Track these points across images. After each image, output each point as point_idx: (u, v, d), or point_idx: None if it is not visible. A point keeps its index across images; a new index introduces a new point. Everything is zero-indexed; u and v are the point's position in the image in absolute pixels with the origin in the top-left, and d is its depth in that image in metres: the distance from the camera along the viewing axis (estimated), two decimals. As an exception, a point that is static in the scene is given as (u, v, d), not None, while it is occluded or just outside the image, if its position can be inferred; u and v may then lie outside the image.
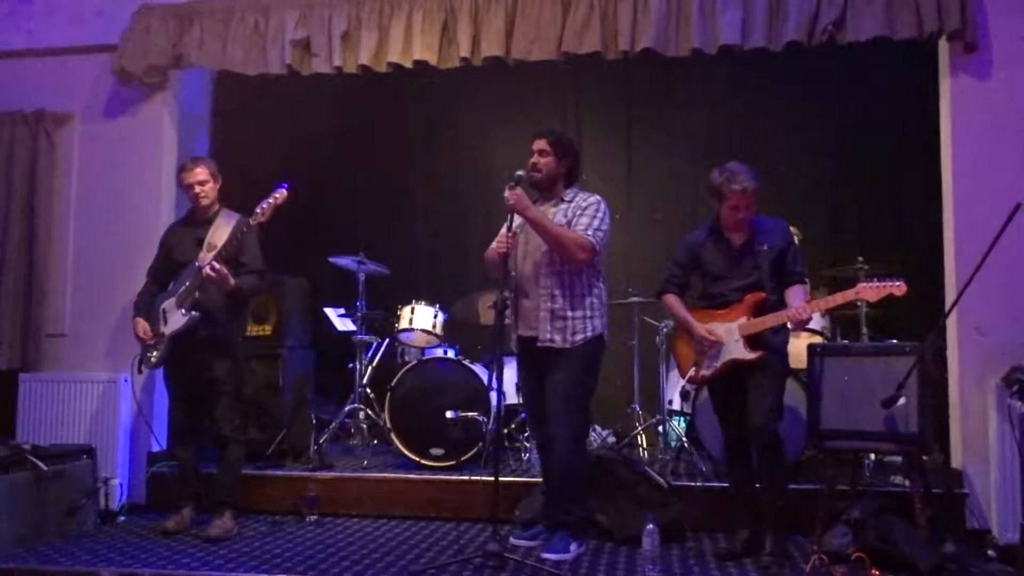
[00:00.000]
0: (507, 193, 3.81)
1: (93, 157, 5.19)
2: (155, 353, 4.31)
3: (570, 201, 3.96)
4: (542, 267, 3.89)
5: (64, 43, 5.24)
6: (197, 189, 4.37)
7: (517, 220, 3.89)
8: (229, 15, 5.01)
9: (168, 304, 4.31)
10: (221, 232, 4.29)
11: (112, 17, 5.12)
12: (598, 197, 3.99)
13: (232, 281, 4.18)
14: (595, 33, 4.64)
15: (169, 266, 4.46)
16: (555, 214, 3.93)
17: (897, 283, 3.60)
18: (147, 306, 4.42)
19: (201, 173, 4.38)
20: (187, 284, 4.25)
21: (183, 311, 4.23)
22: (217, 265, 4.10)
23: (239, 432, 4.37)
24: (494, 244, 3.98)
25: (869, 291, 3.66)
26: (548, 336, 3.86)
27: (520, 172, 3.92)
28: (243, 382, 4.47)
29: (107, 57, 5.14)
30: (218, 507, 4.29)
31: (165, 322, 4.30)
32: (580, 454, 3.98)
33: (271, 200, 4.18)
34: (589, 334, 3.87)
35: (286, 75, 5.01)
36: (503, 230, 3.88)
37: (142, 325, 4.36)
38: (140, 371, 4.54)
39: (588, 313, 3.88)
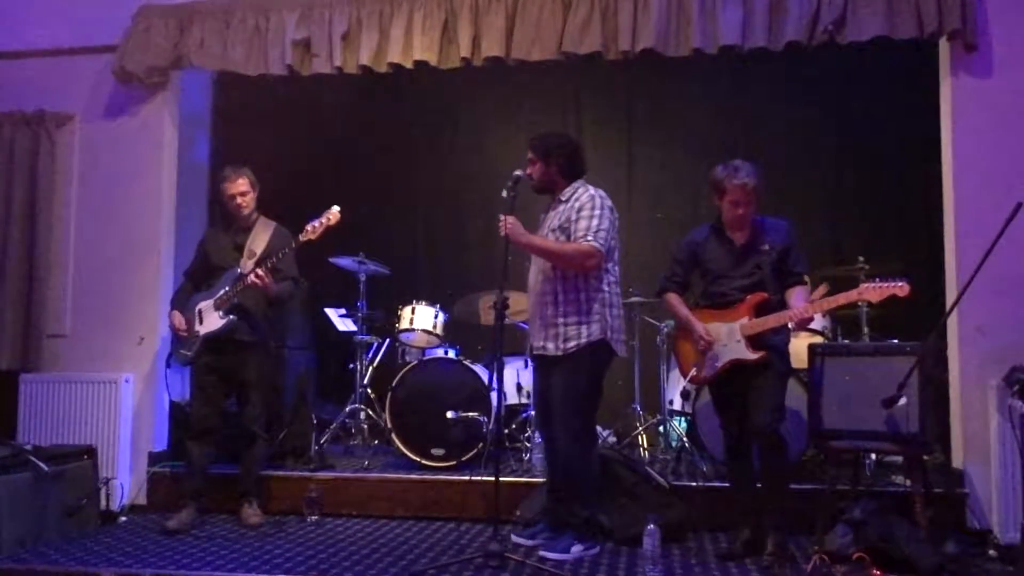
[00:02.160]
0: (500, 224, 3.78)
1: (93, 157, 5.19)
2: (187, 350, 4.40)
3: (566, 201, 3.89)
4: (541, 274, 3.89)
5: (64, 43, 5.24)
6: (239, 200, 4.46)
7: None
8: (229, 15, 5.02)
9: (205, 305, 4.40)
10: (260, 239, 4.45)
11: (112, 17, 5.12)
12: (592, 193, 3.87)
13: (273, 289, 4.32)
14: (595, 33, 4.64)
15: (205, 269, 4.54)
16: (554, 218, 3.92)
17: (900, 284, 3.59)
18: (183, 303, 4.51)
19: (243, 184, 4.47)
20: (226, 289, 4.34)
21: (220, 314, 4.33)
22: (261, 272, 4.23)
23: (265, 430, 4.52)
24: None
25: (872, 291, 3.65)
26: (541, 344, 3.87)
27: (518, 172, 3.90)
28: (274, 384, 4.61)
29: (107, 57, 5.14)
30: (245, 497, 4.46)
31: (200, 321, 4.39)
32: (582, 457, 3.89)
33: (323, 220, 4.27)
34: (583, 341, 3.78)
35: (286, 75, 5.01)
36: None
37: (178, 317, 4.45)
38: (169, 364, 4.67)
39: (583, 319, 3.79)
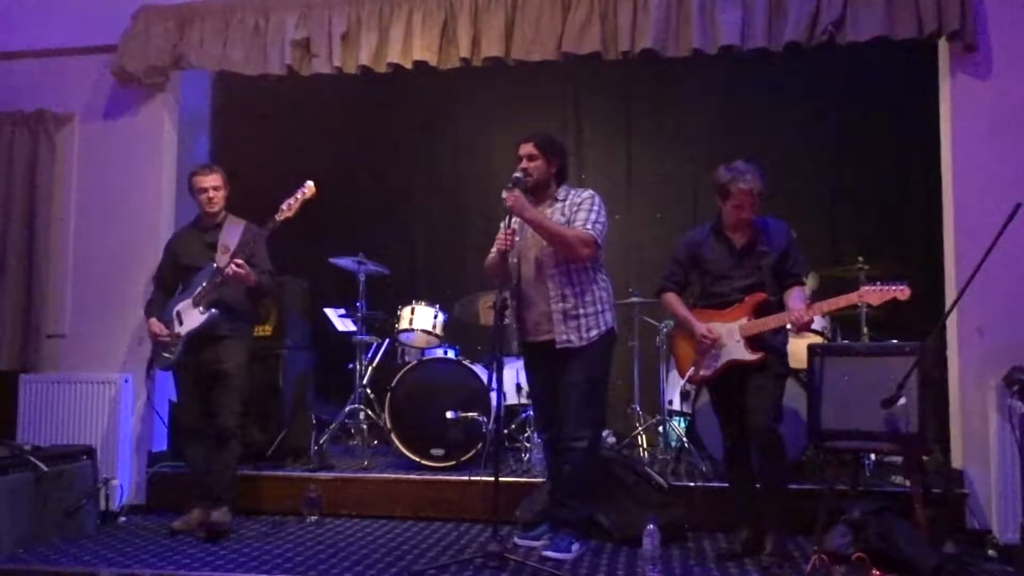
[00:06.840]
0: (505, 195, 3.81)
1: (93, 157, 5.19)
2: (169, 354, 4.33)
3: (564, 200, 3.97)
4: (546, 269, 3.89)
5: (64, 43, 5.24)
6: (211, 194, 4.43)
7: (515, 221, 3.90)
8: (229, 15, 5.02)
9: (183, 305, 4.34)
10: (232, 234, 4.39)
11: (112, 17, 5.11)
12: (592, 191, 4.00)
13: (254, 277, 4.29)
14: (595, 34, 4.64)
15: (176, 272, 4.49)
16: (552, 214, 3.93)
17: (900, 287, 3.60)
18: (159, 311, 4.43)
19: (215, 179, 4.44)
20: (204, 285, 4.29)
21: (201, 309, 4.27)
22: (240, 260, 4.21)
23: (239, 428, 4.39)
24: (493, 249, 3.97)
25: (872, 295, 3.65)
26: (565, 337, 3.85)
27: (518, 174, 3.92)
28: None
29: (107, 57, 5.14)
30: (217, 502, 4.29)
31: (180, 323, 4.33)
32: (594, 455, 3.99)
33: (298, 196, 4.27)
34: (603, 328, 3.90)
35: (286, 75, 5.01)
36: (501, 231, 3.88)
37: (157, 324, 4.37)
38: (148, 374, 4.61)
39: (599, 308, 3.90)
